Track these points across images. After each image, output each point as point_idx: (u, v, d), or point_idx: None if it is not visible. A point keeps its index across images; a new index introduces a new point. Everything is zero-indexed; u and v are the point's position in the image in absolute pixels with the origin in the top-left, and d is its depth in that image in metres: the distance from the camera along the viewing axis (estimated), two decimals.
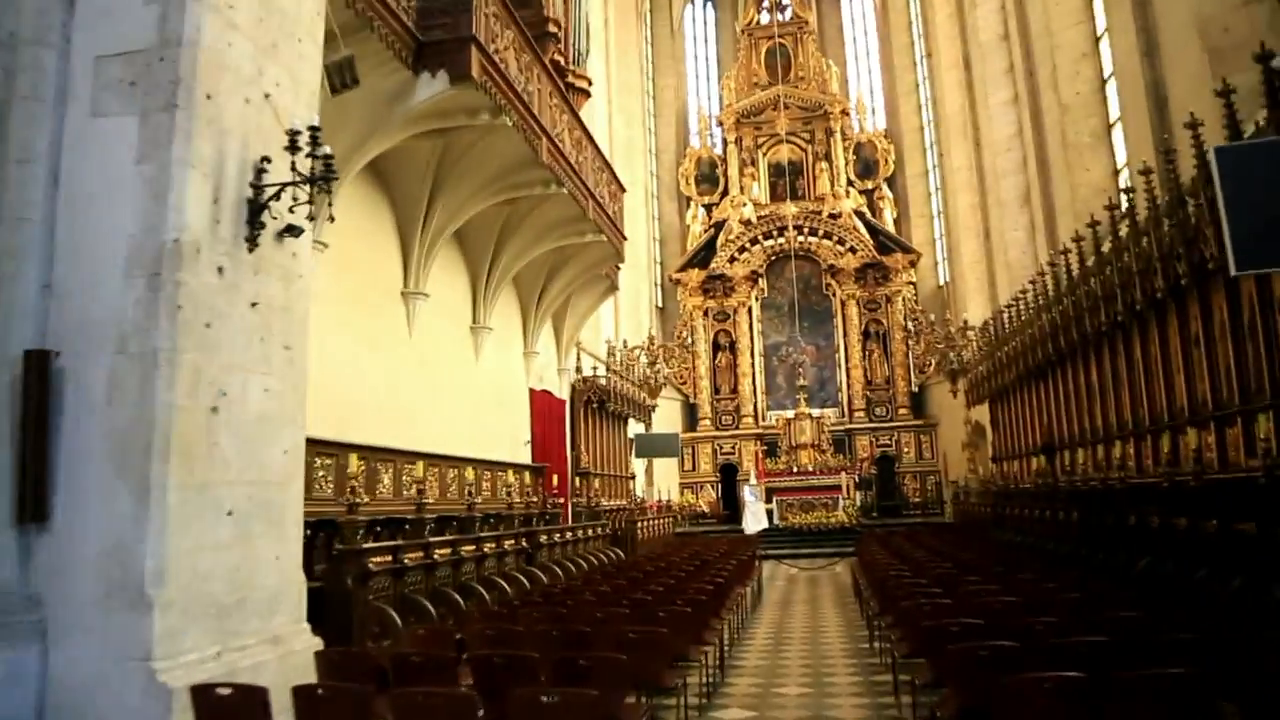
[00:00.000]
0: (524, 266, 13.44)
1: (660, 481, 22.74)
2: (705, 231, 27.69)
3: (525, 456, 14.12)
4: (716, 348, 26.69)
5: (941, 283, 25.71)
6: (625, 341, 16.67)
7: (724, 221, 27.29)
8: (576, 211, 12.44)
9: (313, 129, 5.59)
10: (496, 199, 11.18)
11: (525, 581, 8.99)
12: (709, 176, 28.62)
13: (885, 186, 27.09)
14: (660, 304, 28.45)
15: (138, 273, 4.91)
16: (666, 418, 24.34)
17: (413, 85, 8.44)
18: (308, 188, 5.59)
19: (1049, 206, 16.23)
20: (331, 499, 8.11)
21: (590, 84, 13.50)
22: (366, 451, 8.82)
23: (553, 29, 11.70)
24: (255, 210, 5.50)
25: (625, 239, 15.03)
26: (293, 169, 5.49)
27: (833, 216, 26.25)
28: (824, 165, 27.03)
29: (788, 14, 28.41)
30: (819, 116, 27.47)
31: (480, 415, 12.60)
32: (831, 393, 25.80)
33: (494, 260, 12.60)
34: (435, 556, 7.61)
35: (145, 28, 5.22)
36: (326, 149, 5.71)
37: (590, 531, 13.42)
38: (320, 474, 8.17)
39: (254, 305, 5.49)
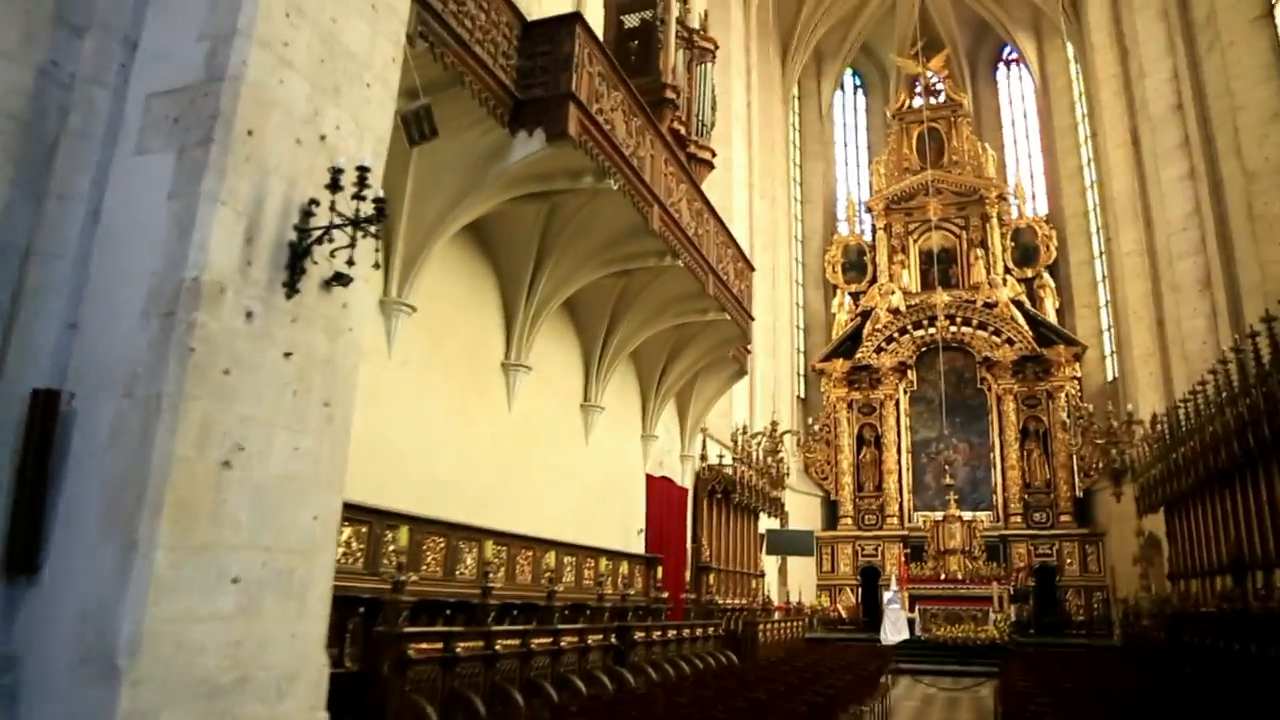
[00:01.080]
0: (643, 343, 12.88)
1: (796, 582, 21.29)
2: (851, 320, 26.60)
3: (638, 545, 13.32)
4: (861, 442, 25.24)
5: (1110, 378, 23.48)
6: (745, 428, 15.74)
7: (871, 310, 26.15)
8: (696, 287, 11.83)
9: (360, 168, 5.20)
10: (608, 270, 10.72)
11: (608, 682, 8.12)
12: (856, 264, 27.63)
13: (1046, 275, 25.31)
14: (803, 394, 27.33)
15: (154, 311, 4.58)
16: (804, 513, 22.99)
17: (509, 144, 8.15)
18: (350, 231, 5.18)
19: (1233, 289, 14.42)
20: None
21: (714, 155, 13.04)
22: (443, 528, 8.30)
23: (670, 95, 11.35)
24: (297, 254, 5.13)
25: (752, 319, 14.28)
26: (332, 208, 5.10)
27: (988, 306, 24.66)
28: (979, 252, 25.59)
29: (941, 97, 27.53)
30: (974, 202, 26.17)
31: (588, 499, 11.95)
32: (985, 495, 23.75)
33: (608, 335, 12.11)
34: (497, 647, 6.90)
35: (194, 64, 5.02)
36: (377, 191, 5.32)
37: (700, 631, 12.38)
38: (389, 548, 7.66)
39: (288, 355, 5.08)
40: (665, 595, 12.67)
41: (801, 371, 27.65)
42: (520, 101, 8.17)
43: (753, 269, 14.47)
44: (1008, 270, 25.57)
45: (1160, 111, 16.90)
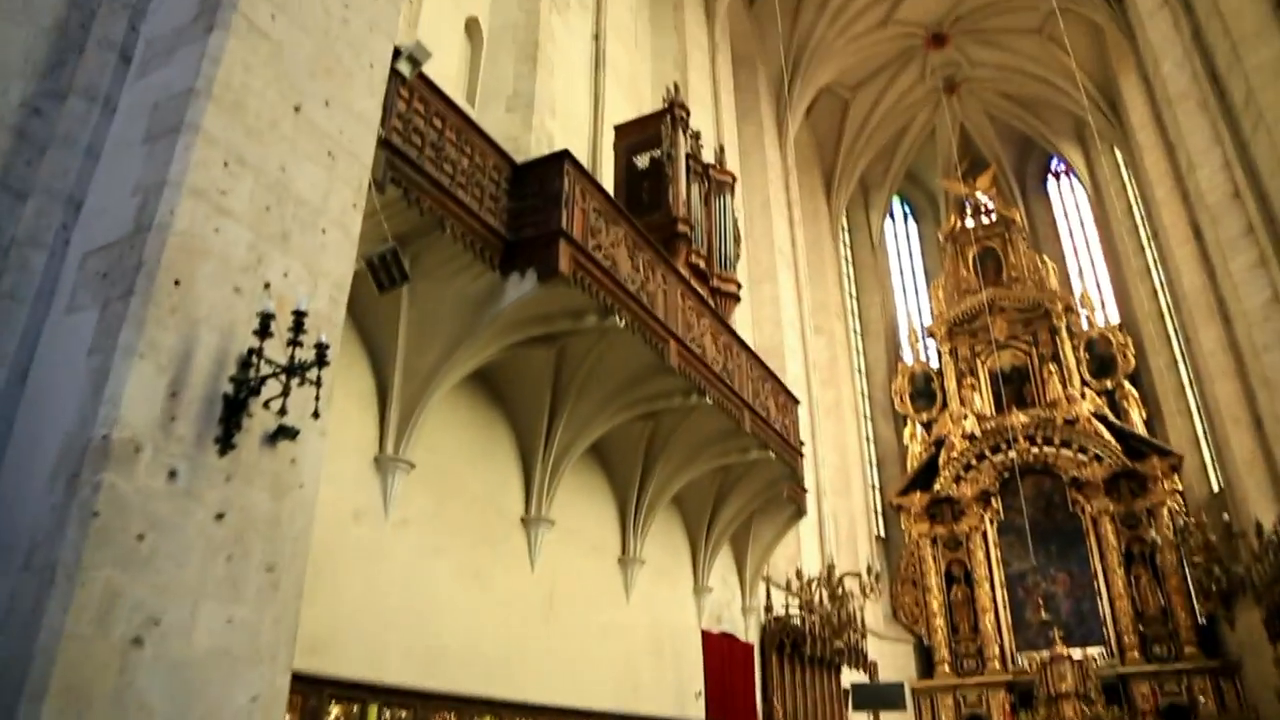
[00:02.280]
0: (684, 488, 12.21)
1: None
2: (925, 451, 25.39)
3: (696, 710, 12.19)
4: (950, 580, 23.52)
5: (1216, 488, 21.61)
6: (800, 572, 14.65)
7: (945, 438, 24.96)
8: (731, 425, 11.24)
9: (297, 313, 4.89)
10: (632, 412, 10.24)
11: None
12: (925, 391, 26.63)
13: (1128, 384, 23.89)
14: (882, 533, 25.89)
15: (61, 474, 4.25)
16: (895, 662, 21.23)
17: (502, 287, 7.90)
18: (284, 379, 4.82)
19: None
20: None
21: (739, 288, 12.67)
22: (454, 702, 7.58)
23: (683, 229, 11.12)
24: (233, 407, 4.79)
25: (800, 455, 13.51)
26: (259, 355, 4.76)
27: (1069, 423, 23.29)
28: (1052, 368, 24.43)
29: (992, 216, 27.12)
30: (1039, 316, 25.24)
31: (633, 662, 11.03)
32: (1094, 628, 21.62)
33: (643, 482, 11.48)
34: None
35: (125, 218, 4.90)
36: (321, 336, 4.98)
37: None
38: None
39: (220, 517, 4.66)
40: None
41: (879, 508, 26.31)
42: (511, 243, 7.98)
43: (797, 402, 13.81)
44: (1085, 383, 24.27)
45: (1218, 201, 16.08)
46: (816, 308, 24.84)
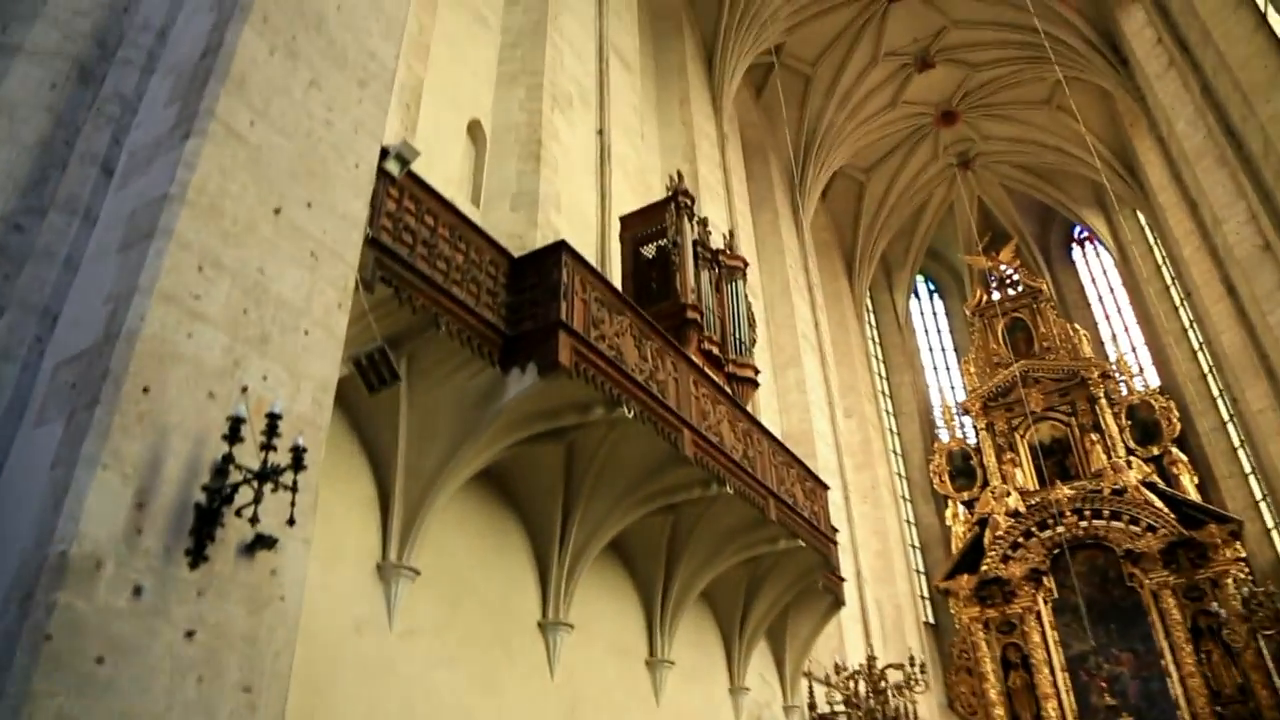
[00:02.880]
0: (712, 583, 11.70)
1: None
2: (969, 531, 24.48)
3: None
4: (1007, 665, 22.34)
5: None
6: (839, 666, 13.89)
7: (988, 517, 24.07)
8: (755, 514, 10.82)
9: (271, 415, 4.69)
10: (649, 506, 9.87)
11: None
12: (964, 470, 25.85)
13: (1175, 449, 23.01)
14: (931, 619, 24.82)
15: (14, 596, 4.02)
16: None
17: (503, 383, 7.70)
18: (257, 485, 4.60)
19: None
20: None
21: (756, 373, 12.38)
22: None
23: (692, 315, 10.93)
24: (205, 517, 4.58)
25: (834, 543, 12.98)
26: (230, 462, 4.55)
27: (1117, 493, 22.37)
28: (1094, 437, 23.65)
29: (1018, 287, 26.77)
30: (1076, 385, 24.58)
31: None
32: (1166, 710, 20.25)
33: (668, 579, 11.01)
34: None
35: (96, 326, 4.79)
36: (298, 439, 4.77)
37: None
38: None
39: (190, 635, 4.40)
40: None
41: (926, 594, 25.30)
42: (510, 338, 7.83)
43: (826, 487, 13.34)
44: (1130, 451, 23.41)
45: (1248, 255, 15.70)
46: (845, 390, 24.42)
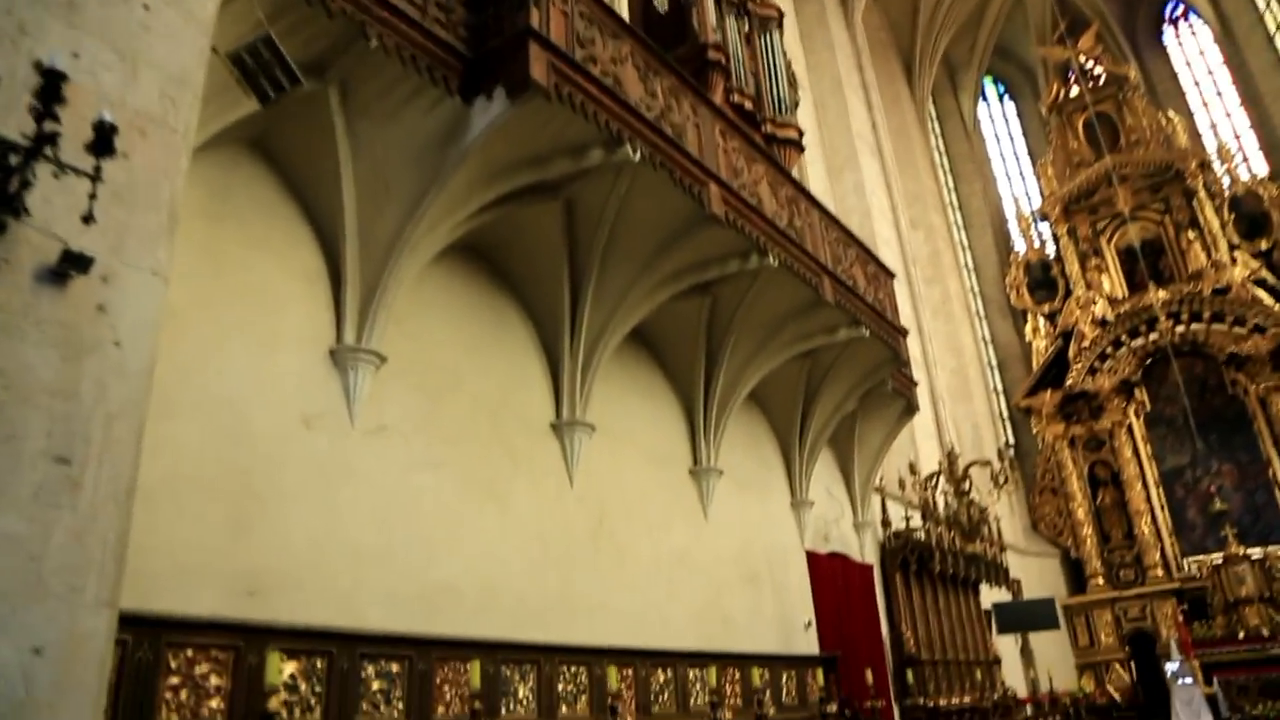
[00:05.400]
0: (764, 382, 10.21)
1: (1045, 665, 16.94)
2: (1051, 345, 22.54)
3: (807, 644, 10.31)
4: (1095, 484, 20.81)
5: None
6: (913, 466, 12.44)
7: (1073, 329, 22.07)
8: (809, 294, 9.17)
9: (51, 72, 3.14)
10: (679, 284, 8.31)
11: None
12: (1044, 281, 23.65)
13: None
14: (1012, 440, 23.28)
15: None
16: (1041, 579, 18.83)
17: (467, 118, 6.04)
18: (22, 161, 3.10)
19: None
20: None
21: (801, 134, 10.51)
22: (467, 649, 5.90)
23: (714, 55, 9.04)
24: None
25: (904, 333, 11.36)
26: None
27: (1219, 293, 20.12)
28: (1191, 235, 21.21)
29: (1101, 78, 23.79)
30: (1170, 180, 21.94)
31: (720, 592, 9.19)
32: (1273, 522, 18.63)
33: (709, 375, 9.55)
34: None
35: None
36: (104, 114, 3.25)
37: None
38: (373, 686, 5.33)
39: None
40: (872, 704, 9.52)
41: (1006, 414, 23.70)
42: (472, 61, 6.12)
43: (891, 275, 11.60)
44: (1234, 247, 20.95)
45: None
46: (910, 200, 22.25)
